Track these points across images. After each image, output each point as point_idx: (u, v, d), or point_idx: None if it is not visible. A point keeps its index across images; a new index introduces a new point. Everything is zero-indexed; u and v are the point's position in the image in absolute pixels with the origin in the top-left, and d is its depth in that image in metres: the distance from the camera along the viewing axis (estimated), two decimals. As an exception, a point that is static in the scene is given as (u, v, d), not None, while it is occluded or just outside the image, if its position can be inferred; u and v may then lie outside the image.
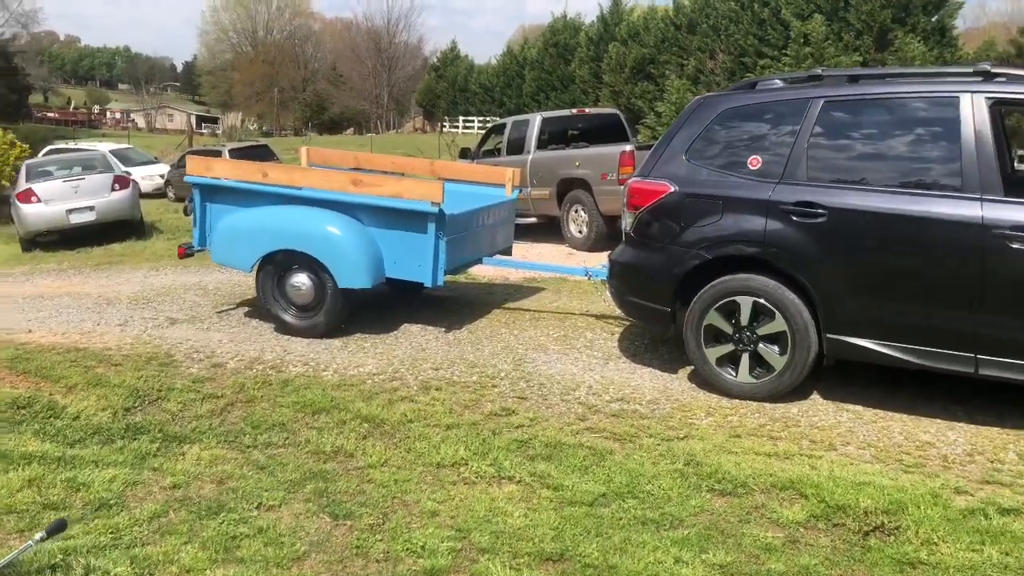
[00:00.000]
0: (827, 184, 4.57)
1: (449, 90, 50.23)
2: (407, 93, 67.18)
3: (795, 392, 4.82)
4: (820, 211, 4.50)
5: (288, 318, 6.27)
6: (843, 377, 5.01)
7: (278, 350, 5.93)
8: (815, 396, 4.89)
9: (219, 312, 7.01)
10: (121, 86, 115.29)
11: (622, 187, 9.32)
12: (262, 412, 4.93)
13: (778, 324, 4.67)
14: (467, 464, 4.15)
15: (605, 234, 10.25)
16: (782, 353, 4.70)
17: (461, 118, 46.28)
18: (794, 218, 4.57)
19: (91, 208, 12.29)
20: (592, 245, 10.39)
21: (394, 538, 3.50)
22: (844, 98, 4.69)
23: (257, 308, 6.69)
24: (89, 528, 3.59)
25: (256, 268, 6.32)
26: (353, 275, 5.95)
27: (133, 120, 79.49)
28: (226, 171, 6.54)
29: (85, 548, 3.40)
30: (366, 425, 4.68)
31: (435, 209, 5.84)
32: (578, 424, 4.60)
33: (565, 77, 31.67)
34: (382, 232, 6.05)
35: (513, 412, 4.77)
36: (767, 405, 4.76)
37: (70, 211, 12.21)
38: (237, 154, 19.81)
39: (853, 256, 4.46)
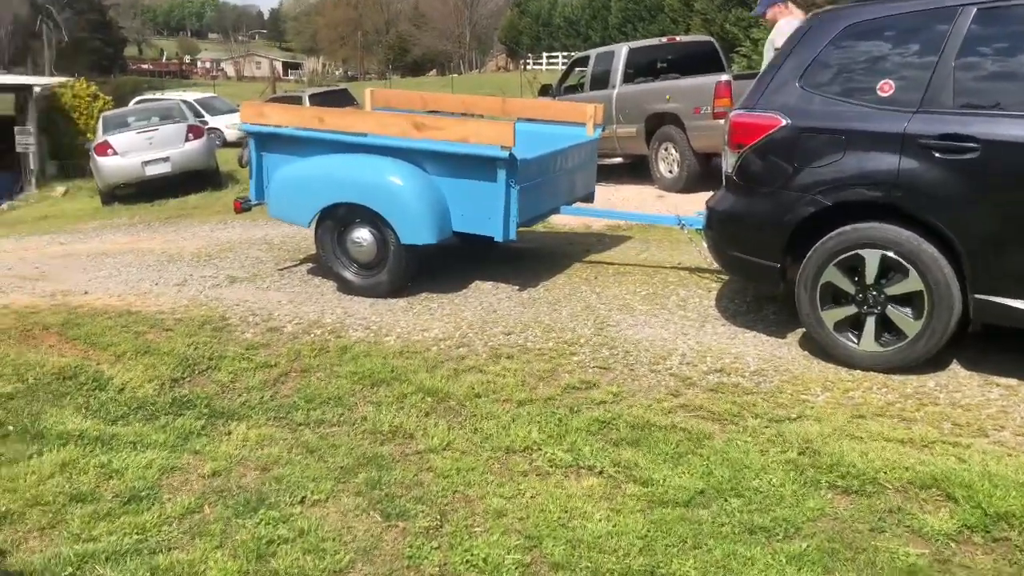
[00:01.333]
0: (981, 112, 3.71)
1: (532, 26, 48.99)
2: (489, 31, 65.96)
3: (931, 362, 4.04)
4: (971, 145, 3.66)
5: (350, 276, 5.78)
6: (990, 345, 4.21)
7: (339, 312, 5.46)
8: (955, 367, 4.10)
9: (281, 269, 6.59)
10: (211, 35, 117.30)
11: (718, 122, 8.51)
12: (317, 383, 4.47)
13: (912, 282, 3.88)
14: (540, 449, 3.59)
15: (698, 173, 9.40)
16: (916, 317, 3.92)
17: (545, 54, 45.08)
18: (936, 154, 3.74)
19: (166, 159, 12.11)
20: (684, 186, 9.56)
21: (452, 546, 2.97)
22: (1005, 4, 3.78)
23: (320, 265, 6.23)
24: (114, 526, 3.20)
25: (315, 223, 5.84)
26: (416, 230, 5.40)
27: (223, 69, 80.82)
28: (280, 117, 6.03)
29: (104, 554, 3.00)
30: (429, 400, 4.16)
31: (505, 154, 5.19)
32: (670, 400, 3.96)
33: (653, 7, 30.16)
34: (448, 181, 5.45)
35: (594, 385, 4.16)
36: (896, 378, 4.01)
37: (146, 163, 12.06)
38: (317, 99, 19.57)
39: (1013, 199, 3.62)
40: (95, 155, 12.33)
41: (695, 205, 6.52)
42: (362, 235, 5.64)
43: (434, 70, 65.86)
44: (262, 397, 4.42)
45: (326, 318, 5.36)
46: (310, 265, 6.56)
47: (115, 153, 12.08)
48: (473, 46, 66.56)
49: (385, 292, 5.67)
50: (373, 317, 5.32)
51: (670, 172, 9.87)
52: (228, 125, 21.29)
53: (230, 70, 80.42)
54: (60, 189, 14.96)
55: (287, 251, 7.19)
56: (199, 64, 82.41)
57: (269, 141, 6.08)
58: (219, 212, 9.74)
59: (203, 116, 20.41)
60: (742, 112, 4.45)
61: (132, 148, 12.10)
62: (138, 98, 23.63)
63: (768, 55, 6.44)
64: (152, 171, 12.08)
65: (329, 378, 4.52)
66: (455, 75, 51.63)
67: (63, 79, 20.03)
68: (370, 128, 5.82)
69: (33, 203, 14.41)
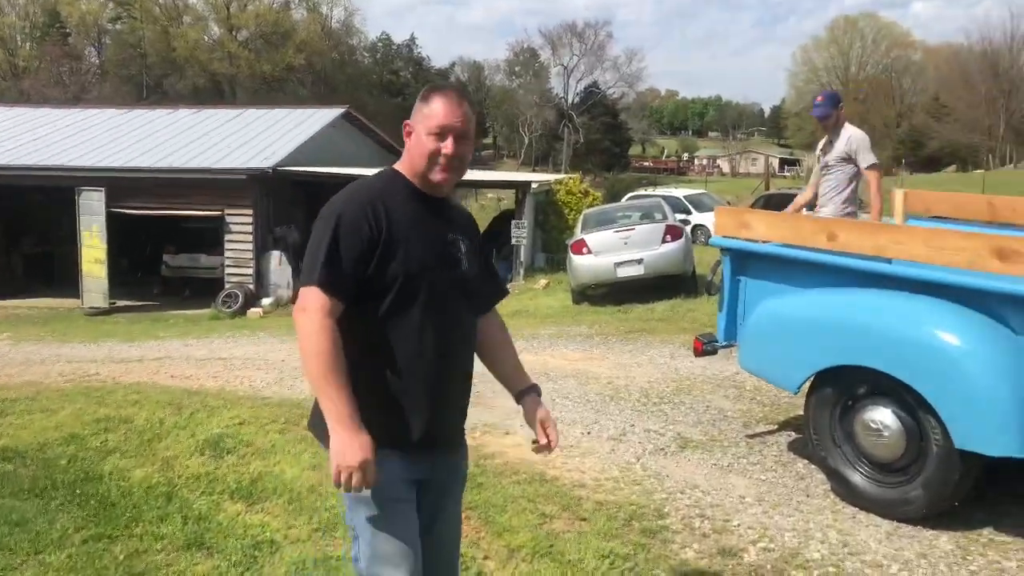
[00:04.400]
0: None
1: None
2: (1033, 120, 56.76)
3: None
4: None
5: (856, 478, 3.69)
6: None
7: (833, 539, 3.41)
8: None
9: (750, 436, 4.74)
10: (711, 134, 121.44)
11: None
12: None
13: None
14: None
15: None
16: None
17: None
18: None
19: (639, 261, 11.11)
20: None
21: None
22: None
23: (808, 442, 4.24)
24: None
25: (807, 387, 3.91)
26: (985, 429, 3.14)
27: (718, 166, 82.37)
28: (770, 230, 4.26)
29: None
30: None
31: None
32: None
33: None
34: (1058, 351, 3.13)
35: None
36: None
37: (618, 264, 11.20)
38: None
39: None
40: (571, 252, 11.88)
41: None
42: (883, 418, 3.55)
43: (953, 165, 58.56)
44: None
45: (812, 548, 3.36)
46: (792, 435, 4.61)
47: (589, 252, 11.47)
48: (1009, 138, 57.74)
49: (914, 514, 3.48)
50: (894, 564, 3.17)
51: None
52: (713, 222, 20.26)
53: (725, 167, 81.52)
54: (543, 282, 15.07)
55: (762, 405, 5.33)
56: (696, 161, 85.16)
57: (751, 262, 4.34)
58: (685, 330, 8.24)
59: (690, 212, 19.68)
60: None
61: (607, 248, 11.36)
62: (630, 194, 23.93)
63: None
64: (624, 273, 11.19)
65: None
66: (983, 171, 44.78)
67: (560, 176, 20.94)
68: (914, 254, 3.71)
69: (516, 294, 14.65)
